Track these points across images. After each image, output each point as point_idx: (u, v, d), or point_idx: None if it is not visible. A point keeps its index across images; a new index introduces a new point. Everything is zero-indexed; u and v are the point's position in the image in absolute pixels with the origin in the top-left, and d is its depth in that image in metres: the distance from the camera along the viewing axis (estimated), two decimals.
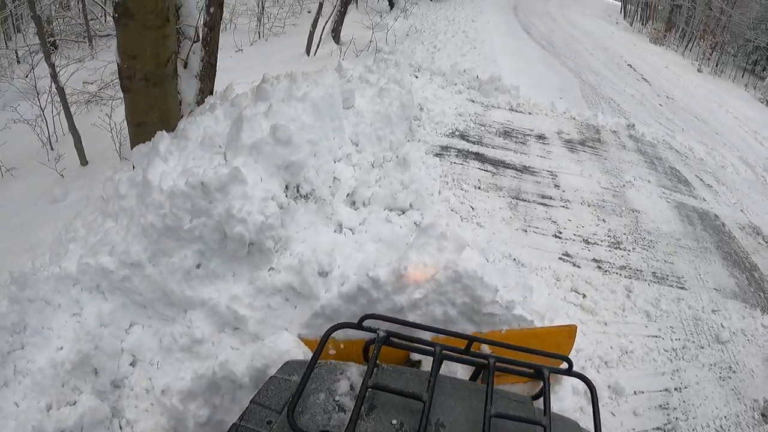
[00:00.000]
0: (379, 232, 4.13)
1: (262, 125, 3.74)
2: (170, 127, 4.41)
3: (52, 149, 7.37)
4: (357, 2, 16.87)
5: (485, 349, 2.56)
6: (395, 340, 1.95)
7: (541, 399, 1.85)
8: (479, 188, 6.48)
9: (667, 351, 4.90)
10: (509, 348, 2.15)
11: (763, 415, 4.68)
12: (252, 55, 11.96)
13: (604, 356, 4.55)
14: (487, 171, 6.98)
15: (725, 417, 4.50)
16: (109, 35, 13.64)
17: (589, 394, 1.93)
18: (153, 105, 4.53)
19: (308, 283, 3.08)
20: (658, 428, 4.17)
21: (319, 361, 1.76)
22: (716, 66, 22.66)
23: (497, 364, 1.88)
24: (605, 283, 5.41)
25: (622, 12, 30.99)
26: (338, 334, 2.48)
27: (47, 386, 3.07)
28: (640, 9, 30.21)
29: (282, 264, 3.27)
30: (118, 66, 4.39)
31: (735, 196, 9.08)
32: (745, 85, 21.14)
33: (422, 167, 6.12)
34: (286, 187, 3.63)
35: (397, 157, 5.54)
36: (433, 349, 1.84)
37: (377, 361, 1.79)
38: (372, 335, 1.93)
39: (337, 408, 1.65)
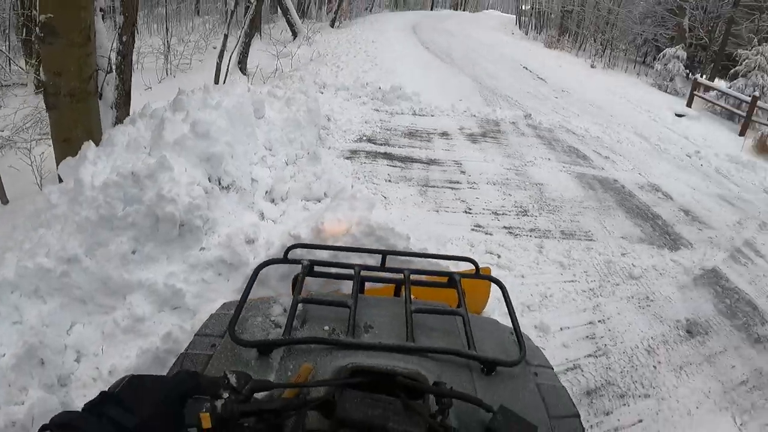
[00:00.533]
0: (299, 218, 4.54)
1: (182, 127, 4.10)
2: (96, 141, 4.67)
3: None
4: (261, 34, 17.33)
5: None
6: (318, 269, 2.01)
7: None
8: (390, 181, 6.98)
9: (585, 291, 5.41)
10: (420, 256, 2.36)
11: (687, 331, 5.27)
12: (162, 92, 12.14)
13: (525, 302, 4.97)
14: (395, 167, 7.51)
15: (652, 338, 4.96)
16: (14, 84, 13.52)
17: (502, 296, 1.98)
18: (78, 121, 4.79)
19: (237, 252, 3.45)
20: (589, 355, 4.56)
21: (252, 299, 1.86)
22: (609, 61, 24.17)
23: (412, 276, 1.93)
24: (517, 244, 5.97)
25: (517, 24, 32.77)
26: None
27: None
28: (533, 19, 31.88)
29: (211, 243, 3.61)
30: (43, 84, 4.64)
31: (632, 163, 9.98)
32: (637, 74, 22.70)
33: (334, 167, 6.58)
34: (209, 179, 4.00)
35: (308, 153, 5.97)
36: (352, 270, 1.92)
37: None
38: (298, 269, 1.99)
39: (273, 326, 1.73)
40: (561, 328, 4.78)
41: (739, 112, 16.86)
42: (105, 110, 5.88)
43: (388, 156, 7.84)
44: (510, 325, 1.84)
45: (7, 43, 14.83)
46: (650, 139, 12.38)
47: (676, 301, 5.64)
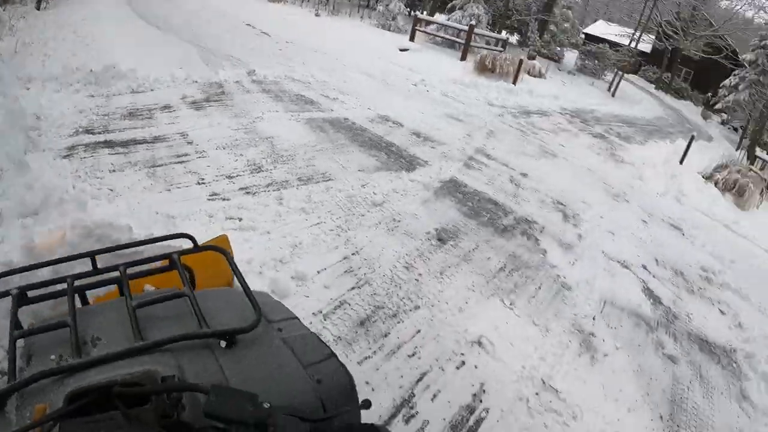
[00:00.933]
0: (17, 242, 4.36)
1: None
2: None
3: None
4: None
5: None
6: (33, 293, 1.83)
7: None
8: (114, 171, 6.86)
9: (333, 230, 5.80)
10: (132, 246, 2.14)
11: (439, 239, 5.95)
12: None
13: (276, 257, 5.10)
14: (118, 153, 7.38)
15: (407, 254, 5.47)
16: None
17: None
18: None
19: None
20: (352, 288, 4.86)
21: None
22: (333, 8, 25.25)
23: (131, 270, 1.83)
24: (257, 202, 6.24)
25: None
26: None
27: None
28: None
29: None
30: None
31: (360, 100, 10.82)
32: (361, 17, 23.94)
33: (50, 171, 6.25)
34: None
35: (14, 163, 5.66)
36: (65, 283, 1.76)
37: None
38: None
39: (0, 375, 1.59)
40: (318, 272, 5.03)
41: (458, 40, 19.22)
42: None
43: (108, 144, 7.64)
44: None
45: None
46: (376, 76, 13.46)
47: (422, 215, 6.41)
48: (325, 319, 4.40)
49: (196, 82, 10.75)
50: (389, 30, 21.72)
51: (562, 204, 8.32)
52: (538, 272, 6.00)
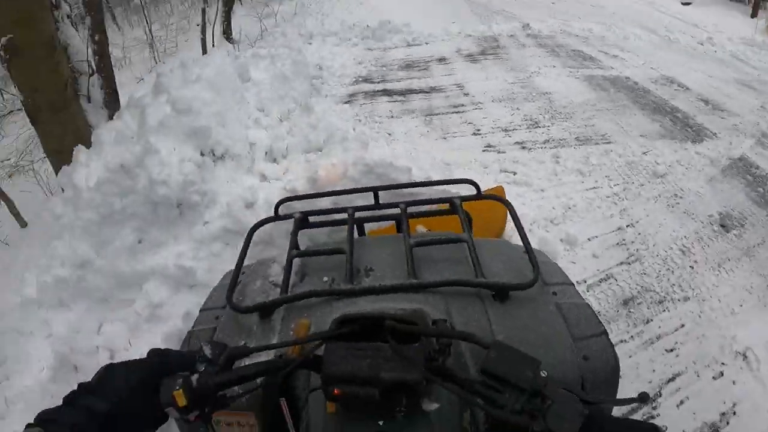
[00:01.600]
0: (300, 172, 4.43)
1: (164, 108, 4.01)
2: (87, 145, 4.63)
3: None
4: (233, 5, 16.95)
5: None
6: (313, 219, 1.93)
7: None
8: (392, 117, 6.79)
9: (609, 197, 5.20)
10: (416, 186, 2.16)
11: (722, 225, 5.04)
12: (152, 80, 12.04)
13: (548, 216, 4.78)
14: (396, 101, 7.31)
15: (685, 236, 4.73)
16: (9, 112, 13.63)
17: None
18: (64, 130, 4.74)
19: (238, 219, 3.39)
20: (622, 263, 4.38)
21: (253, 262, 1.80)
22: None
23: (411, 209, 1.83)
24: (532, 158, 5.77)
25: None
26: None
27: (38, 404, 3.25)
28: None
29: (213, 216, 3.55)
30: (22, 103, 4.60)
31: (642, 58, 9.57)
32: None
33: (332, 114, 6.44)
34: (201, 153, 3.91)
35: (300, 105, 5.84)
36: (345, 213, 1.85)
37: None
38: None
39: (273, 286, 1.68)
40: (589, 239, 4.59)
41: None
42: (96, 112, 5.84)
43: (387, 92, 7.64)
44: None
45: None
46: (658, 32, 11.85)
47: (706, 195, 5.39)
48: (588, 290, 4.06)
49: (470, 36, 10.38)
50: None
51: None
52: None
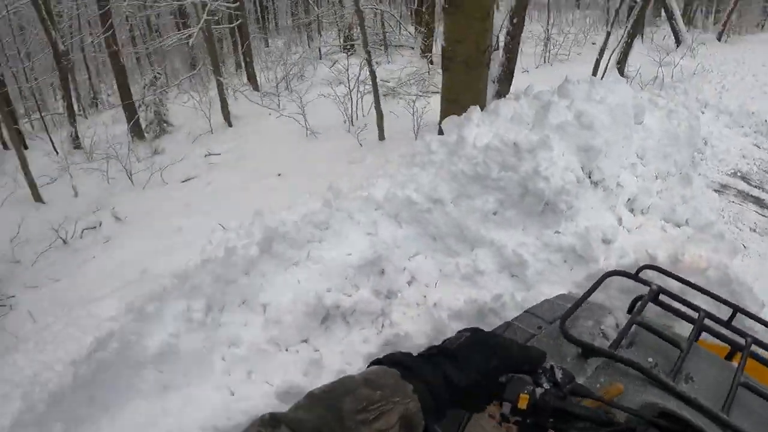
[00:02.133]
0: (655, 237, 4.25)
1: (566, 113, 4.16)
2: (480, 107, 5.03)
3: (352, 125, 8.61)
4: (642, 37, 16.54)
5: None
6: (664, 297, 1.93)
7: None
8: (755, 231, 6.08)
9: None
10: None
11: None
12: (538, 76, 12.42)
13: None
14: (765, 216, 6.53)
15: None
16: (401, 46, 15.39)
17: None
18: (468, 86, 5.23)
19: (591, 247, 3.39)
20: None
21: (589, 301, 1.85)
22: None
23: (753, 347, 1.76)
24: None
25: None
26: None
27: (332, 275, 3.63)
28: None
29: (569, 230, 3.61)
30: (442, 48, 5.18)
31: None
32: None
33: (702, 196, 6.02)
34: (582, 169, 3.98)
35: (680, 173, 5.55)
36: (696, 314, 1.83)
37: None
38: (643, 289, 1.94)
39: (601, 334, 1.75)
40: None
41: None
42: (487, 83, 6.28)
43: (759, 201, 6.87)
44: None
45: (399, 10, 16.89)
46: None
47: None
48: None
49: None
50: None
51: None
52: None
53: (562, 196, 3.58)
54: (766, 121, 9.82)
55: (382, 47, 14.74)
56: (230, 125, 10.00)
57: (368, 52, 7.67)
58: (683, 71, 13.21)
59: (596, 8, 20.89)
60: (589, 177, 3.96)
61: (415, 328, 3.45)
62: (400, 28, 16.49)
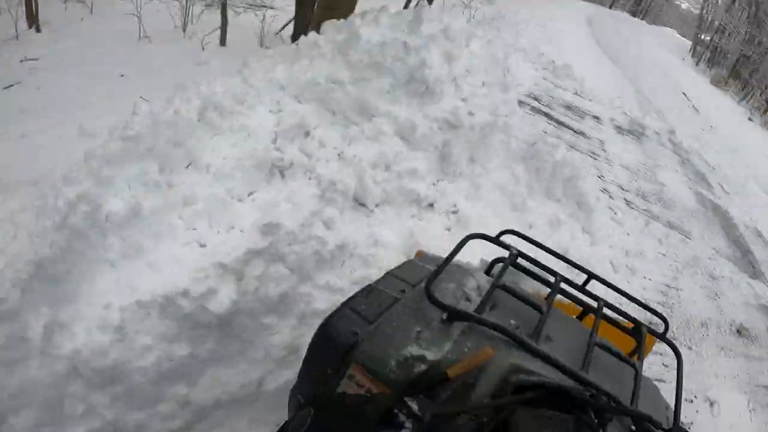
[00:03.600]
0: None
1: (435, 26, 5.47)
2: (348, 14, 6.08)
3: (184, 31, 8.82)
4: None
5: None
6: (522, 261, 2.04)
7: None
8: (545, 132, 8.10)
9: (671, 266, 6.60)
10: (622, 294, 2.26)
11: (738, 331, 6.20)
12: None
13: (629, 252, 6.19)
14: (551, 125, 8.72)
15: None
16: None
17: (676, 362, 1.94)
18: None
19: (459, 118, 4.83)
20: (657, 304, 5.76)
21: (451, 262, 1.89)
22: None
23: (605, 309, 1.93)
24: (631, 212, 7.12)
25: (691, 51, 32.13)
26: None
27: (260, 137, 4.28)
28: (708, 52, 31.43)
29: (440, 107, 4.91)
30: None
31: (749, 208, 10.59)
32: None
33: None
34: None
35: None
36: (553, 278, 1.97)
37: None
38: (502, 252, 2.06)
39: (465, 298, 1.80)
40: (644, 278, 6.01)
41: None
42: None
43: (547, 116, 9.06)
44: (667, 399, 1.86)
45: None
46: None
47: (738, 308, 6.62)
48: None
49: (626, 114, 11.71)
50: None
51: None
52: None
53: (438, 84, 4.93)
54: (553, 61, 12.33)
55: None
56: (38, 30, 9.03)
57: None
58: (484, 15, 15.49)
59: None
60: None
61: (340, 176, 4.17)
62: None
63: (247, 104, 4.56)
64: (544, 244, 2.28)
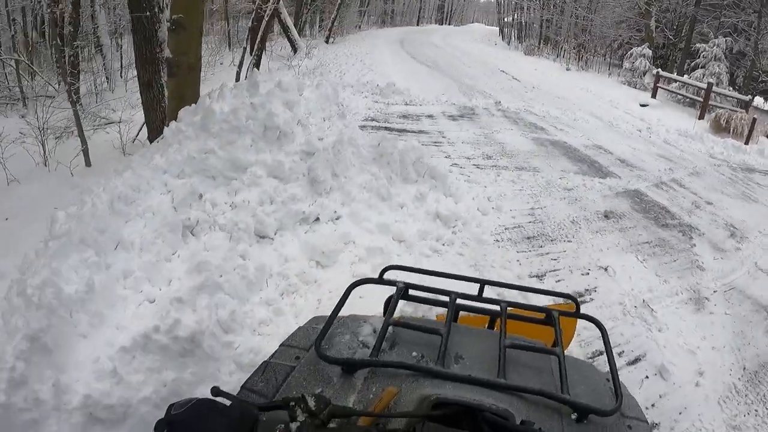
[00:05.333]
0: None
1: (270, 84, 6.63)
2: (195, 102, 7.08)
3: (46, 165, 9.00)
4: (264, 50, 19.83)
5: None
6: (413, 292, 2.00)
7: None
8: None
9: (529, 194, 7.95)
10: (519, 289, 2.26)
11: (605, 216, 7.71)
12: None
13: (491, 197, 7.44)
14: (393, 135, 10.16)
15: (575, 217, 7.44)
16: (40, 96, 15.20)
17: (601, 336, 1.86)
18: (190, 84, 7.35)
19: (313, 144, 5.97)
20: (529, 222, 7.10)
21: (342, 315, 1.86)
22: (584, 64, 26.23)
23: (509, 309, 1.90)
24: (482, 171, 8.60)
25: (501, 35, 35.34)
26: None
27: (165, 215, 5.19)
28: (515, 30, 34.42)
29: (296, 143, 6.04)
30: (168, 59, 7.18)
31: (581, 133, 12.61)
32: (609, 74, 24.79)
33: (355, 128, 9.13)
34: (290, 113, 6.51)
35: (336, 116, 8.52)
36: (448, 297, 1.89)
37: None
38: (392, 289, 1.98)
39: (361, 345, 1.72)
40: (510, 210, 7.35)
41: (698, 98, 18.51)
42: None
43: (388, 129, 10.51)
44: (605, 370, 1.78)
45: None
46: (604, 120, 14.86)
47: (599, 201, 8.10)
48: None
49: (454, 104, 13.59)
50: (635, 87, 21.70)
51: (734, 227, 8.49)
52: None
53: (286, 127, 6.07)
54: (377, 85, 14.00)
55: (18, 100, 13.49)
56: None
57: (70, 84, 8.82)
58: (307, 68, 17.08)
59: (216, 33, 22.92)
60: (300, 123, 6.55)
61: (237, 220, 5.23)
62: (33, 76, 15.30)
63: (143, 191, 5.45)
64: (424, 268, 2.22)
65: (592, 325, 1.92)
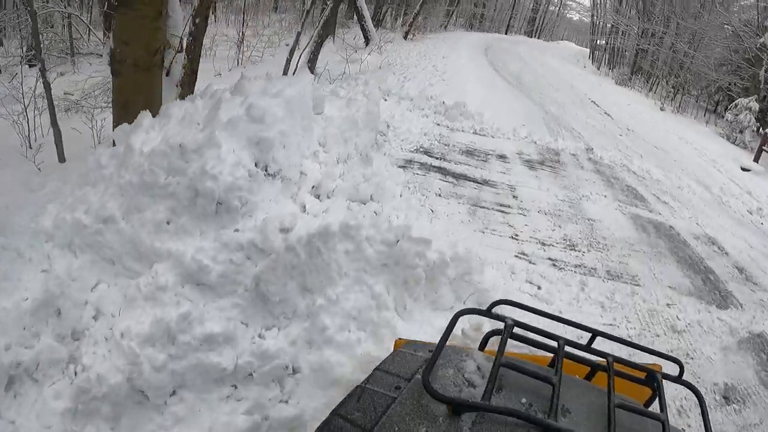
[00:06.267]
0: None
1: (238, 109, 4.10)
2: (153, 113, 4.77)
3: (30, 148, 7.60)
4: (334, 38, 17.55)
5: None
6: (519, 331, 1.92)
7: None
8: (440, 195, 6.90)
9: (625, 336, 5.03)
10: (629, 345, 2.19)
11: (724, 397, 4.89)
12: (230, 79, 12.38)
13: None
14: (448, 182, 7.43)
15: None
16: (91, 53, 14.08)
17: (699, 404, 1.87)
18: (139, 89, 4.96)
19: (269, 238, 3.38)
20: None
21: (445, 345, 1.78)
22: (679, 106, 23.32)
23: (615, 364, 1.84)
24: (560, 277, 5.77)
25: (591, 57, 32.93)
26: None
27: (9, 327, 3.16)
28: (607, 54, 32.08)
29: (247, 226, 3.56)
30: (111, 51, 4.80)
31: (691, 212, 9.53)
32: (706, 122, 21.73)
33: (385, 173, 6.51)
34: (256, 164, 3.95)
35: (361, 154, 5.92)
36: (556, 343, 1.85)
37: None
38: (497, 324, 1.93)
39: (467, 383, 1.66)
40: None
41: None
42: (171, 87, 6.01)
43: (441, 170, 7.77)
44: None
45: (89, 14, 15.56)
46: (712, 189, 11.86)
47: (717, 361, 5.28)
48: None
49: (535, 143, 10.56)
50: (733, 143, 19.17)
51: None
52: None
53: (234, 193, 3.52)
54: (443, 102, 11.24)
55: (68, 55, 13.30)
56: None
57: (42, 61, 6.80)
58: (369, 66, 14.46)
59: (293, 11, 21.55)
60: (265, 170, 3.95)
61: (108, 366, 3.10)
62: (90, 34, 15.08)
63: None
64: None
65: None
